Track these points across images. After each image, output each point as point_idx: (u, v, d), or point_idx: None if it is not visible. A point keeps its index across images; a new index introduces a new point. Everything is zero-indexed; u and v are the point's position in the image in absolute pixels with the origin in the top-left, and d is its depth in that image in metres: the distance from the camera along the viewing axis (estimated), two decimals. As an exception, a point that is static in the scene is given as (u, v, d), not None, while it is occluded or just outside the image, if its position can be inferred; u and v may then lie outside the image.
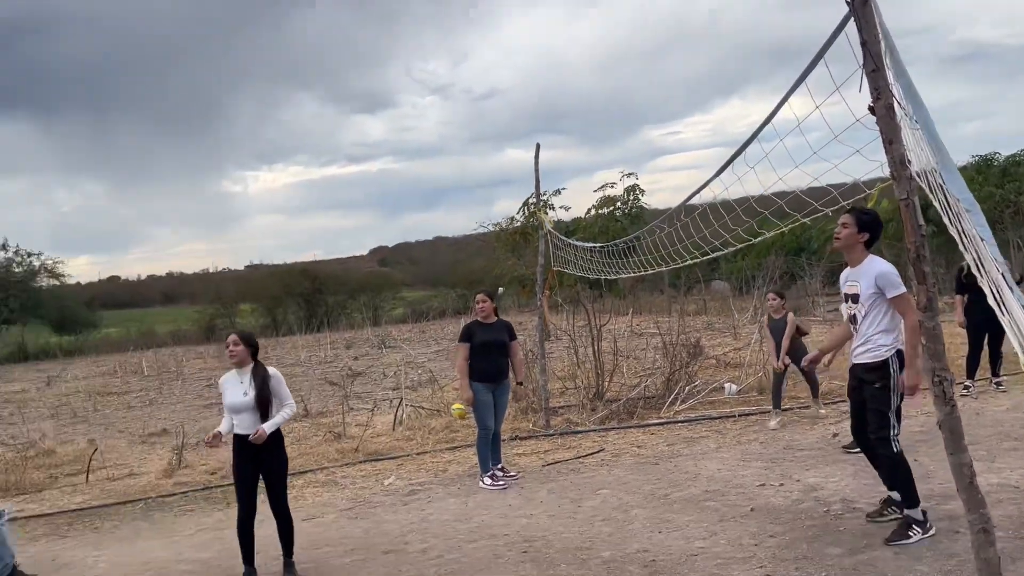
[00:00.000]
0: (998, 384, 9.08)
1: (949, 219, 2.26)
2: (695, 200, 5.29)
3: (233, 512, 7.18)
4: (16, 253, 36.39)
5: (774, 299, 8.95)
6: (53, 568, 6.03)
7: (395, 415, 10.66)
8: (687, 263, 5.94)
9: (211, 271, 67.07)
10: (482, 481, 7.20)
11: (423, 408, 11.26)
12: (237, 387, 5.24)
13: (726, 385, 10.67)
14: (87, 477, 9.10)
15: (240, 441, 5.25)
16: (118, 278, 78.62)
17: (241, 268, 61.71)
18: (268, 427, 5.16)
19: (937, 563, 4.39)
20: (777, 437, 7.99)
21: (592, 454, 8.07)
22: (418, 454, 8.87)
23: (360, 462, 8.72)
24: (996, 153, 31.35)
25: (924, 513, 4.79)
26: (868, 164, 3.13)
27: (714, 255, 5.29)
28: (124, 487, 8.59)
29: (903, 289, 4.72)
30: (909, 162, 2.30)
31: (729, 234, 4.97)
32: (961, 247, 2.28)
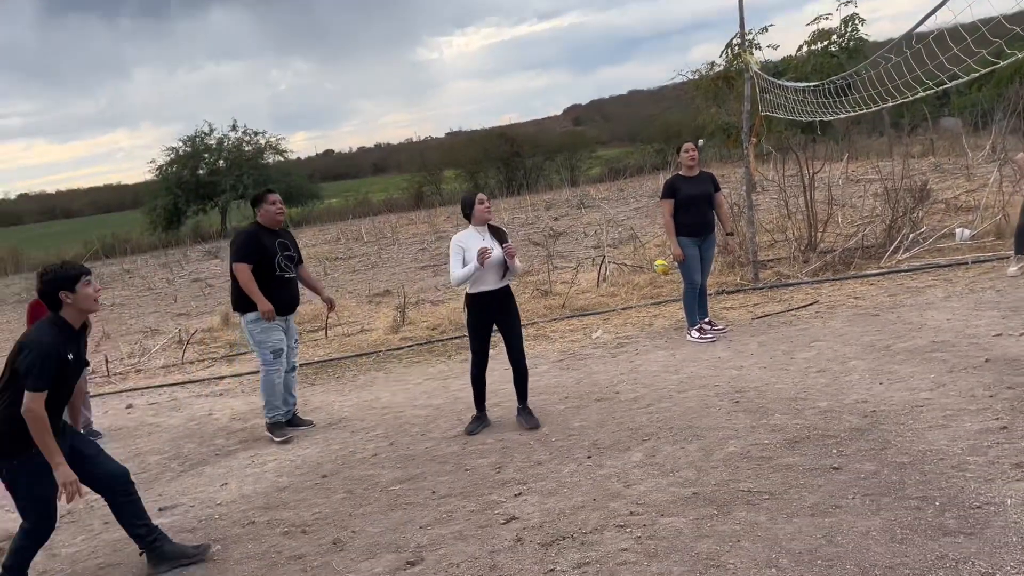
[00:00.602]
0: None
1: None
2: (926, 27, 4.71)
3: (456, 363, 7.77)
4: (244, 133, 39.59)
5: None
6: (306, 411, 6.86)
7: (599, 272, 10.82)
8: (916, 96, 5.36)
9: (415, 140, 69.70)
10: (689, 334, 7.22)
11: (626, 265, 11.33)
12: (481, 243, 5.34)
13: (957, 230, 9.80)
14: (326, 333, 10.12)
15: (484, 297, 5.45)
16: (332, 151, 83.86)
17: (442, 135, 63.61)
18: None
19: None
20: (1018, 284, 7.29)
21: (805, 306, 7.81)
22: (623, 309, 9.01)
23: (567, 317, 9.01)
24: None
25: None
26: None
27: (948, 85, 4.73)
28: (357, 342, 9.49)
29: None
30: None
31: (968, 61, 4.41)
32: None
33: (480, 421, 5.65)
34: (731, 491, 3.98)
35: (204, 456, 6.03)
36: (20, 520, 3.94)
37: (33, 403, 3.65)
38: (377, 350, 8.85)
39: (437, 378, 7.34)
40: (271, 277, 6.00)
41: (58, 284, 3.80)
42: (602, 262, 11.20)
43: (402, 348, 8.79)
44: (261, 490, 5.10)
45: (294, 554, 4.09)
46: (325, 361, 8.68)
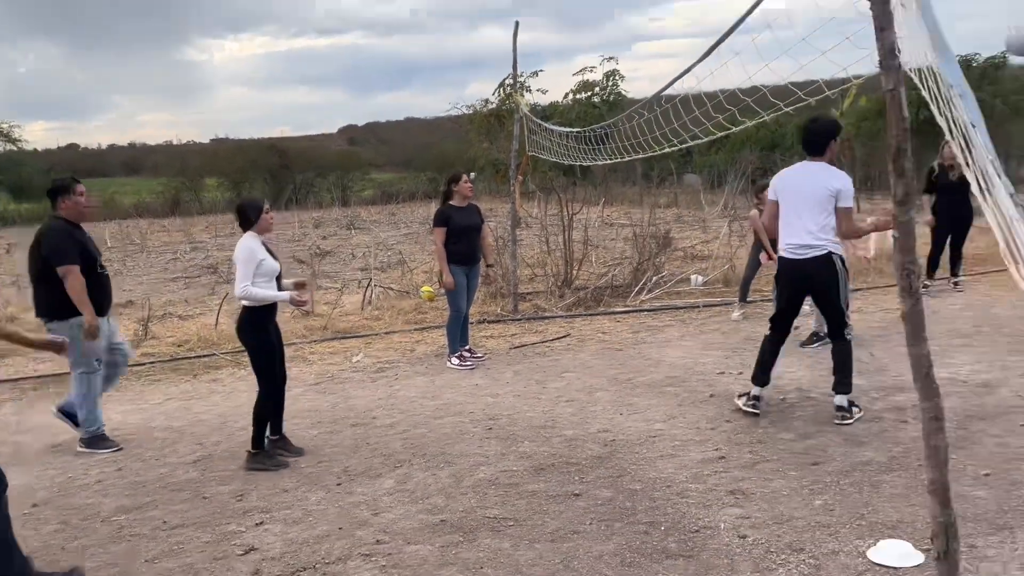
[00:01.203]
0: (956, 284, 9.31)
1: (939, 108, 2.23)
2: (674, 89, 5.19)
3: (202, 383, 7.28)
4: (-31, 115, 34.94)
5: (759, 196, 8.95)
6: (20, 431, 6.08)
7: (364, 295, 10.69)
8: (663, 151, 5.88)
9: (175, 143, 65.33)
10: (450, 361, 7.31)
11: (392, 289, 11.30)
12: (265, 253, 5.01)
13: (692, 277, 10.82)
14: (52, 345, 9.06)
15: (270, 313, 5.13)
16: (77, 146, 76.36)
17: (206, 141, 60.19)
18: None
19: (883, 448, 4.60)
20: (739, 328, 8.17)
21: (558, 339, 8.21)
22: (386, 333, 8.95)
23: (328, 339, 8.79)
24: (976, 54, 31.03)
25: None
26: (853, 56, 3.08)
27: (691, 144, 5.23)
28: (90, 356, 8.58)
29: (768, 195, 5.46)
30: (899, 51, 2.25)
31: (707, 124, 4.91)
32: (948, 136, 2.27)
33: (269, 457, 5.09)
34: (478, 518, 4.05)
35: None
36: None
37: None
38: (113, 366, 8.06)
39: (179, 398, 6.83)
40: (94, 277, 5.47)
41: None
42: (368, 285, 11.08)
43: (142, 364, 8.09)
44: (-47, 523, 4.42)
45: (-12, 596, 3.57)
46: (48, 376, 7.77)
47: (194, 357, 8.24)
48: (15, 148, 36.85)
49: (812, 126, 5.18)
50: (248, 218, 5.08)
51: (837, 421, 5.11)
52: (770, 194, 5.39)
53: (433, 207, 8.15)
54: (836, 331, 5.25)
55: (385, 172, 46.68)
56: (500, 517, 4.04)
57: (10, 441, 5.86)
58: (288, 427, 5.64)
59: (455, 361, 7.28)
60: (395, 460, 4.97)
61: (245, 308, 5.05)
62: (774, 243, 5.82)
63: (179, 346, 8.81)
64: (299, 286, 5.53)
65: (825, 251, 5.08)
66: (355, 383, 6.99)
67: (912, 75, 2.35)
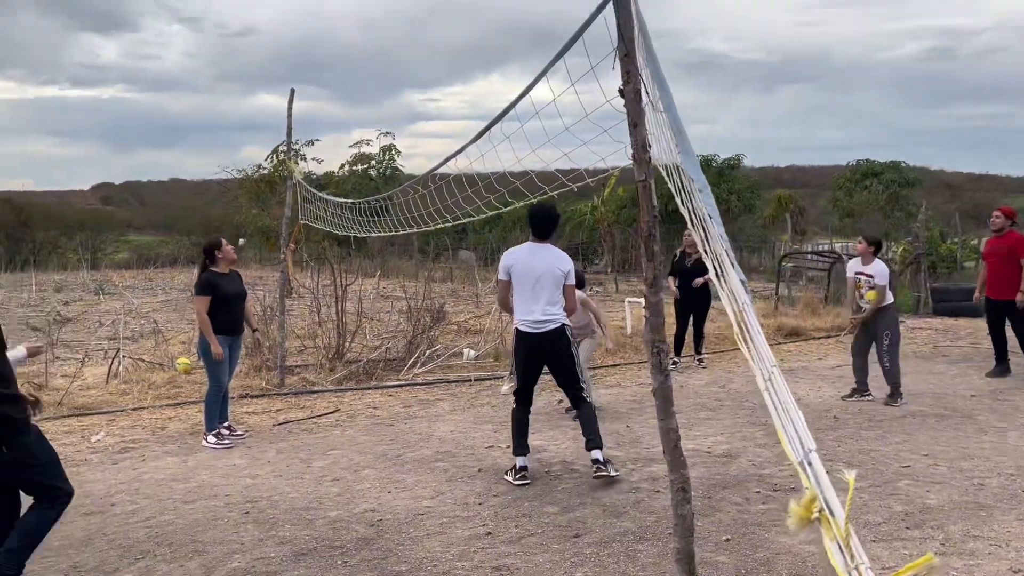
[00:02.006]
0: (700, 361, 10.18)
1: (682, 199, 2.44)
2: (450, 168, 5.31)
3: None
4: None
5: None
6: None
7: (110, 367, 9.73)
8: (437, 226, 5.97)
9: None
10: (206, 440, 6.79)
11: (143, 361, 10.39)
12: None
13: (465, 350, 10.97)
14: None
15: None
16: None
17: (-73, 190, 53.24)
18: None
19: (639, 518, 4.82)
20: (508, 402, 8.33)
21: (326, 414, 7.92)
22: (134, 410, 8.18)
23: (64, 416, 7.87)
24: (715, 155, 35.05)
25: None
26: (611, 148, 3.32)
27: (464, 221, 5.36)
28: None
29: (499, 274, 5.77)
30: (650, 146, 2.44)
31: (479, 203, 5.05)
32: (690, 224, 2.48)
33: None
34: (229, 613, 3.70)
35: None
36: None
37: None
38: None
39: None
40: None
41: None
42: (115, 355, 10.11)
43: None
44: None
45: None
46: None
47: None
48: None
49: (541, 211, 5.59)
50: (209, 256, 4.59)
51: (595, 475, 5.43)
52: (502, 273, 5.67)
53: (195, 273, 7.65)
54: (578, 398, 5.70)
55: (145, 235, 43.63)
56: (254, 611, 3.72)
57: None
58: (5, 519, 4.90)
59: (211, 440, 6.76)
60: (135, 552, 4.47)
61: None
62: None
63: None
64: (33, 352, 4.89)
65: (559, 324, 5.56)
66: (93, 465, 6.27)
67: (660, 169, 2.56)
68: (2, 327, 4.13)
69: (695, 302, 9.92)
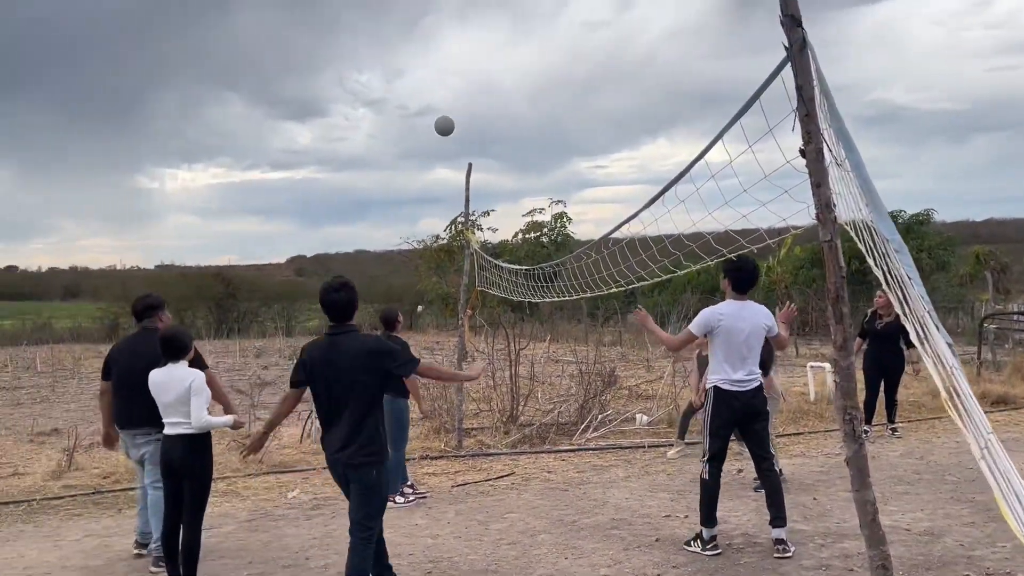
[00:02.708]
0: (894, 430, 9.48)
1: (875, 260, 2.35)
2: (620, 233, 5.38)
3: (125, 519, 6.89)
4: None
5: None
6: (-80, 569, 5.62)
7: (303, 427, 10.40)
8: (609, 291, 6.02)
9: (119, 268, 64.60)
10: (393, 500, 7.07)
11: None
12: None
13: (637, 416, 10.82)
14: (-34, 474, 8.54)
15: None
16: (16, 268, 75.14)
17: (151, 267, 59.73)
18: None
19: (831, 599, 4.52)
20: (684, 470, 8.12)
21: (502, 477, 8.04)
22: (324, 468, 8.64)
23: (264, 473, 8.47)
24: (902, 211, 33.05)
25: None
26: (791, 208, 3.25)
27: (636, 285, 5.38)
28: (6, 487, 8.09)
29: (692, 329, 5.55)
30: (834, 205, 2.38)
31: (653, 267, 5.07)
32: (885, 286, 2.37)
33: None
34: (415, 670, 3.80)
35: None
36: None
37: None
38: (30, 499, 7.60)
39: (100, 535, 6.42)
40: None
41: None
42: (308, 417, 10.80)
43: (63, 498, 7.64)
44: None
45: None
46: (-42, 508, 7.26)
47: (119, 490, 7.82)
48: (-50, 267, 35.92)
49: (747, 265, 5.41)
50: (187, 348, 5.06)
51: (777, 555, 5.25)
52: (698, 329, 5.48)
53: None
54: (769, 467, 5.54)
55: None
56: (438, 670, 3.80)
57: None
58: (215, 567, 5.34)
59: (398, 499, 7.04)
60: (328, 605, 4.69)
61: (196, 438, 4.93)
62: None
63: (104, 478, 8.36)
64: (236, 425, 5.42)
65: (760, 383, 5.49)
66: (290, 520, 6.68)
67: (848, 228, 2.49)
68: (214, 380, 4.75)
69: (888, 366, 9.31)
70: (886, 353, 9.21)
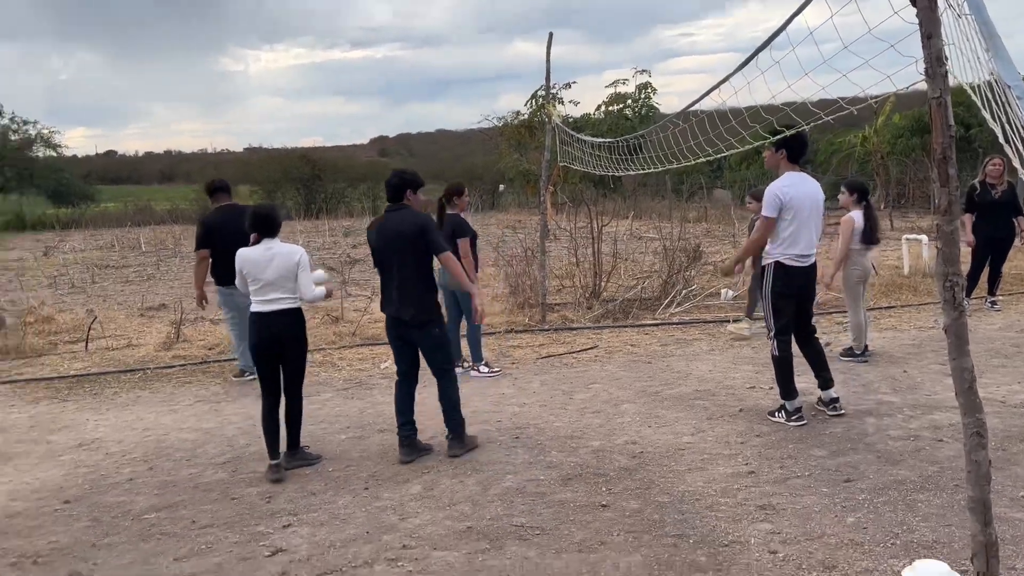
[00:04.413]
0: (993, 303, 9.13)
1: (993, 113, 2.19)
2: (705, 104, 5.16)
3: (232, 386, 7.34)
4: (12, 120, 35.77)
5: (750, 202, 8.83)
6: (54, 429, 6.17)
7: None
8: (696, 161, 5.85)
9: (210, 151, 66.22)
10: (476, 370, 7.30)
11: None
12: None
13: (722, 291, 10.72)
14: (86, 345, 9.21)
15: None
16: (115, 153, 77.85)
17: (240, 150, 60.98)
18: None
19: (919, 467, 4.51)
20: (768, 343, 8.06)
21: (586, 350, 8.17)
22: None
23: (357, 345, 8.83)
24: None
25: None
26: (893, 68, 3.02)
27: (726, 153, 5.20)
28: (123, 357, 8.71)
29: (765, 214, 5.33)
30: (946, 58, 2.21)
31: (744, 133, 4.87)
32: (1002, 139, 2.22)
33: (275, 471, 4.95)
34: (505, 526, 4.02)
35: (-82, 476, 5.22)
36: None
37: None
38: (144, 367, 8.17)
39: (210, 400, 6.89)
40: None
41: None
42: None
43: (173, 367, 8.18)
44: (-13, 516, 4.48)
45: (20, 589, 3.61)
46: (82, 376, 7.88)
47: (224, 360, 8.31)
48: (55, 154, 37.58)
49: (800, 135, 5.07)
50: (280, 225, 5.14)
51: (832, 414, 5.50)
52: (771, 210, 5.26)
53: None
54: (811, 334, 5.62)
55: (415, 183, 46.81)
56: (527, 526, 4.01)
57: (44, 439, 5.95)
58: (316, 431, 5.67)
59: (483, 369, 7.27)
60: (422, 466, 4.96)
61: (298, 312, 5.06)
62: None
63: (210, 349, 8.89)
64: (329, 293, 5.51)
65: (815, 260, 5.48)
66: (382, 389, 7.00)
67: (965, 85, 2.31)
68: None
69: (999, 239, 8.87)
70: (998, 225, 8.77)
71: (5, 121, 35.53)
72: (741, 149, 4.73)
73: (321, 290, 5.20)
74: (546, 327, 9.34)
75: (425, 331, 5.09)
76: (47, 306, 11.31)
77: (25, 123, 35.98)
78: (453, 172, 41.57)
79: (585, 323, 9.49)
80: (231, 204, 7.62)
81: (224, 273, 7.07)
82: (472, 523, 4.07)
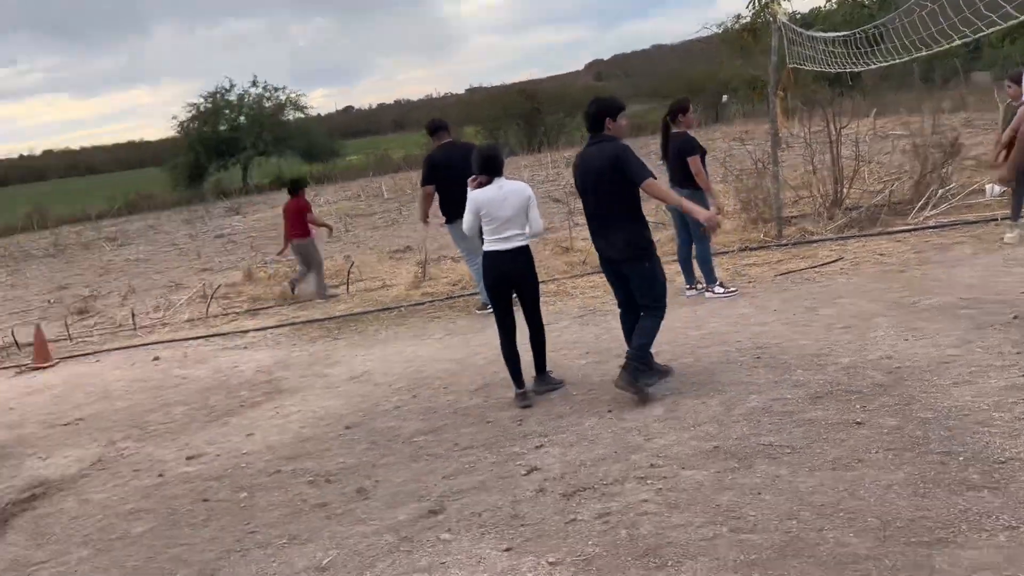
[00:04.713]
0: None
1: None
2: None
3: (477, 320, 7.79)
4: (264, 89, 39.43)
5: (1010, 86, 7.69)
6: (329, 364, 6.92)
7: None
8: (949, 45, 5.23)
9: (435, 96, 69.11)
10: (711, 291, 7.17)
11: (650, 221, 11.22)
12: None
13: (987, 186, 9.60)
14: (347, 288, 10.17)
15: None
16: (351, 108, 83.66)
17: (462, 91, 63.09)
18: None
19: None
20: (1048, 242, 7.16)
21: (829, 263, 7.73)
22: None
23: (588, 274, 8.99)
24: None
25: None
26: None
27: (985, 32, 4.60)
28: (379, 297, 9.53)
29: None
30: None
31: (997, 13, 4.28)
32: None
33: (522, 398, 5.17)
34: (752, 445, 3.99)
35: (230, 407, 6.12)
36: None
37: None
38: (399, 305, 8.89)
39: (458, 333, 7.37)
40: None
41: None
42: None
43: (423, 304, 8.83)
44: (286, 440, 5.18)
45: (319, 502, 4.16)
46: (347, 316, 8.74)
47: (468, 295, 8.82)
48: (303, 115, 41.04)
49: None
50: (503, 163, 5.28)
51: None
52: None
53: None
54: None
55: (632, 105, 46.05)
56: (776, 444, 3.95)
57: (322, 373, 6.70)
58: (556, 357, 5.90)
59: (718, 290, 7.13)
60: (664, 388, 5.01)
61: (529, 248, 5.22)
62: None
63: (453, 285, 9.47)
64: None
65: None
66: (616, 315, 7.03)
67: None
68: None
69: None
70: None
71: (259, 90, 39.26)
72: (1004, 26, 4.16)
73: (543, 225, 5.33)
74: (783, 242, 8.93)
75: (633, 266, 4.90)
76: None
77: (276, 90, 39.51)
78: (672, 88, 40.29)
79: (826, 234, 8.95)
80: (451, 141, 8.01)
81: (451, 208, 7.46)
82: (718, 443, 4.08)
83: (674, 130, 7.03)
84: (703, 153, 6.98)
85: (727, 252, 8.74)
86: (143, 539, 4.08)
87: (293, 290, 10.08)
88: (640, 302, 4.99)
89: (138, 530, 4.20)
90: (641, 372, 4.89)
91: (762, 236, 9.26)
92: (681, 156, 6.91)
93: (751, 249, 8.86)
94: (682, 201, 5.19)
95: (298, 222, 10.00)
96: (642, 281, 4.92)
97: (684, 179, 6.94)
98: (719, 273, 7.39)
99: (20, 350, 9.39)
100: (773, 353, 5.35)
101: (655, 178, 4.80)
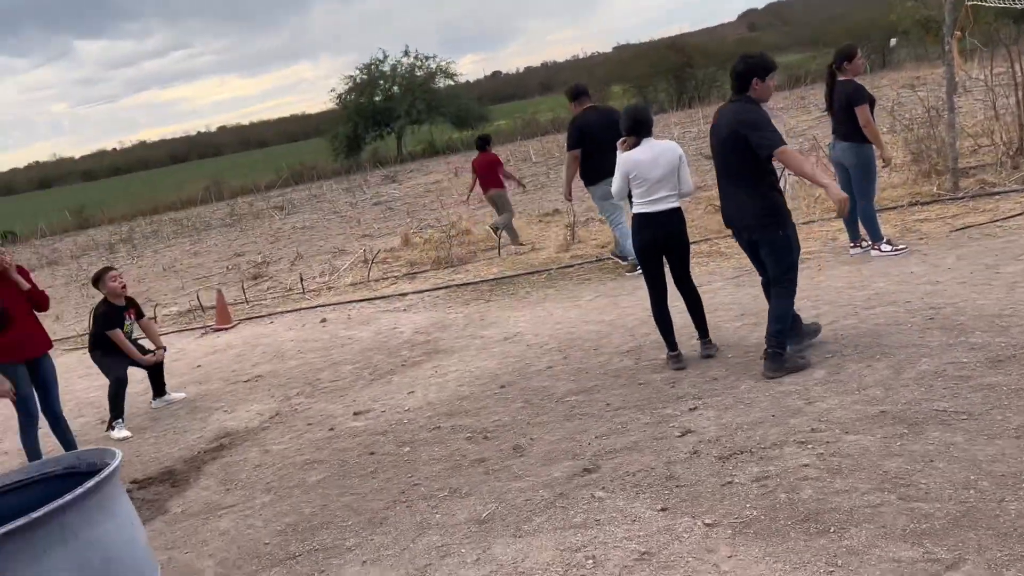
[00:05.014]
0: None
1: None
2: None
3: (626, 281, 7.75)
4: (416, 58, 40.47)
5: None
6: (484, 326, 7.12)
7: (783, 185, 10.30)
8: None
9: (581, 56, 68.49)
10: (878, 248, 6.78)
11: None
12: None
13: None
14: (499, 252, 10.37)
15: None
16: (499, 73, 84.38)
17: (609, 50, 62.12)
18: None
19: None
20: None
21: (1012, 216, 7.11)
22: (804, 223, 8.57)
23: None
24: None
25: None
26: None
27: None
28: (529, 260, 9.66)
29: None
30: None
31: None
32: None
33: (675, 360, 5.11)
34: (924, 410, 3.78)
35: (392, 366, 6.44)
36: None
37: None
38: (548, 268, 8.98)
39: (608, 295, 7.37)
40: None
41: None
42: (781, 173, 10.64)
43: (572, 266, 8.87)
44: (445, 398, 5.40)
45: (477, 458, 4.32)
46: (499, 279, 8.93)
47: (616, 256, 8.78)
48: (453, 83, 41.82)
49: None
50: (651, 123, 5.17)
51: None
52: None
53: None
54: None
55: (790, 54, 43.74)
56: (950, 410, 3.72)
57: (477, 335, 6.90)
58: (711, 319, 5.78)
59: (885, 247, 6.73)
60: (825, 350, 4.82)
61: (680, 210, 5.09)
62: None
63: (602, 247, 9.45)
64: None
65: None
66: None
67: None
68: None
69: None
70: None
71: (411, 60, 40.32)
72: None
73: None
74: (959, 195, 8.28)
75: (763, 236, 4.63)
76: (464, 221, 12.87)
77: (426, 59, 40.48)
78: (834, 35, 37.92)
79: (1010, 185, 8.22)
80: (592, 106, 8.10)
81: (592, 172, 7.67)
82: (885, 407, 3.89)
83: (840, 78, 6.64)
84: (872, 102, 6.57)
85: (896, 208, 8.21)
86: (317, 488, 4.40)
87: (496, 232, 10.81)
88: (770, 272, 4.71)
89: (313, 479, 4.53)
90: (783, 358, 4.61)
91: (935, 189, 8.63)
92: (848, 106, 6.53)
93: (923, 204, 8.28)
94: (815, 175, 4.78)
95: (491, 174, 10.81)
96: (773, 250, 4.63)
97: (850, 131, 6.56)
98: (886, 230, 6.97)
99: (204, 312, 10.27)
100: (947, 314, 5.01)
101: (785, 144, 4.49)
